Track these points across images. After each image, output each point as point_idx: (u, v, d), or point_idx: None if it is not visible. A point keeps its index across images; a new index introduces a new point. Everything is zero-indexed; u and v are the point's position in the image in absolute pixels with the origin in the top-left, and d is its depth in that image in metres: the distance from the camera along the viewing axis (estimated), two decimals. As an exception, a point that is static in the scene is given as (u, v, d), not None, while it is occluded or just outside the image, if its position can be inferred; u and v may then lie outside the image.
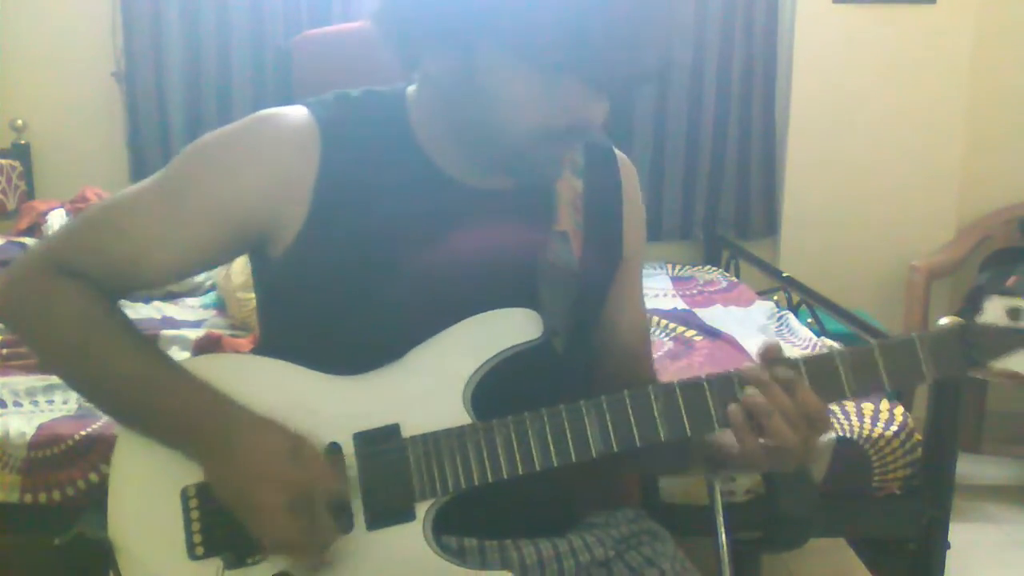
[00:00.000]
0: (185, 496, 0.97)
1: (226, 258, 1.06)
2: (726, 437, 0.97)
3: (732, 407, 0.92)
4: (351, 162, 1.01)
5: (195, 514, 0.97)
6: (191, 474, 0.97)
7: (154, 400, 0.97)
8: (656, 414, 0.92)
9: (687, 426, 0.93)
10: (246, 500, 0.91)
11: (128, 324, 1.02)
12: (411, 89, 1.06)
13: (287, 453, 0.92)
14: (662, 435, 0.92)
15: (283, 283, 1.03)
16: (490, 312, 0.97)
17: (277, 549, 0.92)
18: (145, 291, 1.07)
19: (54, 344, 1.01)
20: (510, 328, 0.97)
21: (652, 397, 0.93)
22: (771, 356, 0.93)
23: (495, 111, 0.94)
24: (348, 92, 1.06)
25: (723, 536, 1.16)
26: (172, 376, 0.98)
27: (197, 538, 0.97)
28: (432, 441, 0.94)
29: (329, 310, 1.00)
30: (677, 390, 0.93)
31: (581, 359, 1.09)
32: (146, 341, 1.02)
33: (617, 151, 1.16)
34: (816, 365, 0.92)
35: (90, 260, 1.01)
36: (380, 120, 1.03)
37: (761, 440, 0.92)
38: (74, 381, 1.03)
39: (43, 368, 1.09)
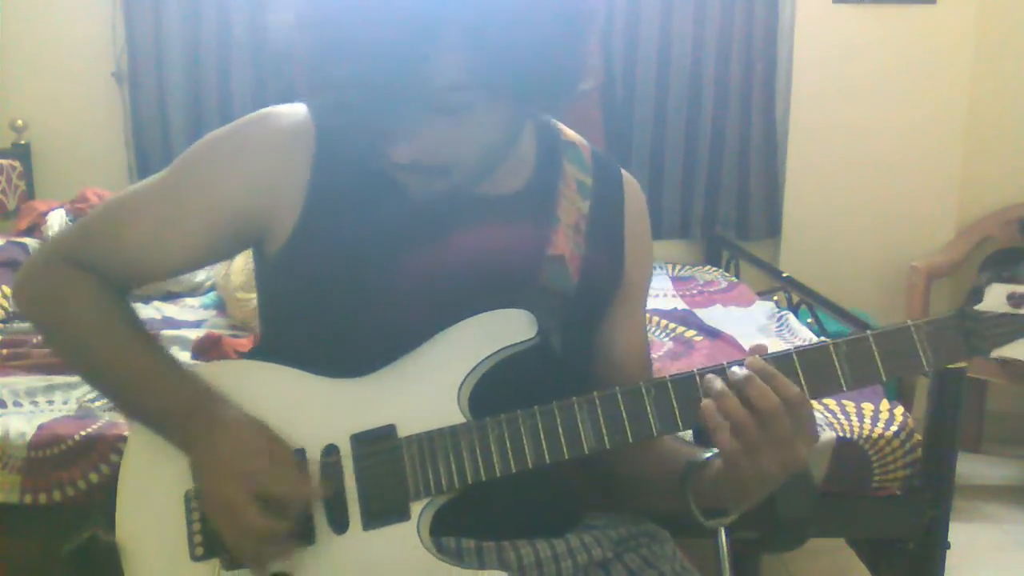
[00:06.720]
0: (188, 498, 0.99)
1: (228, 253, 1.11)
2: (715, 466, 0.96)
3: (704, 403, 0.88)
4: (347, 161, 1.01)
5: (196, 515, 0.99)
6: None
7: (149, 389, 1.01)
8: (649, 409, 0.92)
9: (679, 420, 0.92)
10: (217, 493, 0.94)
11: (134, 316, 1.07)
12: None
13: (263, 454, 0.93)
14: (655, 430, 0.92)
15: (280, 281, 1.04)
16: (486, 313, 0.97)
17: (237, 546, 0.93)
18: (154, 283, 1.12)
19: (63, 331, 1.06)
20: (505, 329, 0.97)
21: (644, 392, 0.92)
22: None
23: None
24: None
25: (723, 536, 1.16)
26: (168, 369, 1.02)
27: (197, 538, 0.98)
28: (427, 440, 0.94)
29: (324, 309, 1.01)
30: (669, 384, 0.92)
31: (578, 361, 1.09)
32: (148, 334, 1.07)
33: (625, 173, 1.14)
34: (810, 357, 0.90)
35: (99, 254, 1.05)
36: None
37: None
38: (79, 367, 1.08)
39: (53, 354, 1.14)
